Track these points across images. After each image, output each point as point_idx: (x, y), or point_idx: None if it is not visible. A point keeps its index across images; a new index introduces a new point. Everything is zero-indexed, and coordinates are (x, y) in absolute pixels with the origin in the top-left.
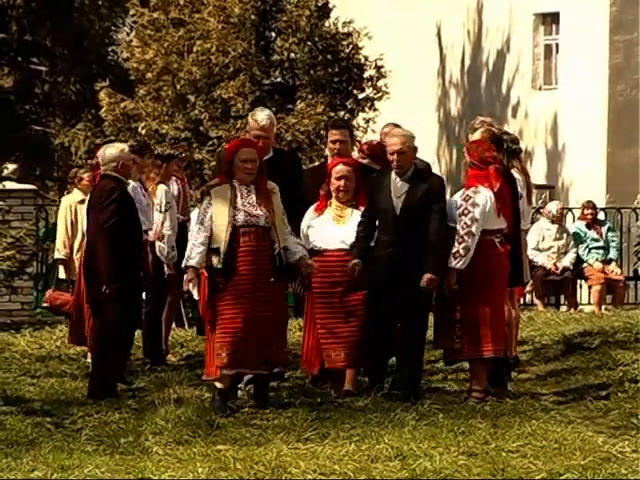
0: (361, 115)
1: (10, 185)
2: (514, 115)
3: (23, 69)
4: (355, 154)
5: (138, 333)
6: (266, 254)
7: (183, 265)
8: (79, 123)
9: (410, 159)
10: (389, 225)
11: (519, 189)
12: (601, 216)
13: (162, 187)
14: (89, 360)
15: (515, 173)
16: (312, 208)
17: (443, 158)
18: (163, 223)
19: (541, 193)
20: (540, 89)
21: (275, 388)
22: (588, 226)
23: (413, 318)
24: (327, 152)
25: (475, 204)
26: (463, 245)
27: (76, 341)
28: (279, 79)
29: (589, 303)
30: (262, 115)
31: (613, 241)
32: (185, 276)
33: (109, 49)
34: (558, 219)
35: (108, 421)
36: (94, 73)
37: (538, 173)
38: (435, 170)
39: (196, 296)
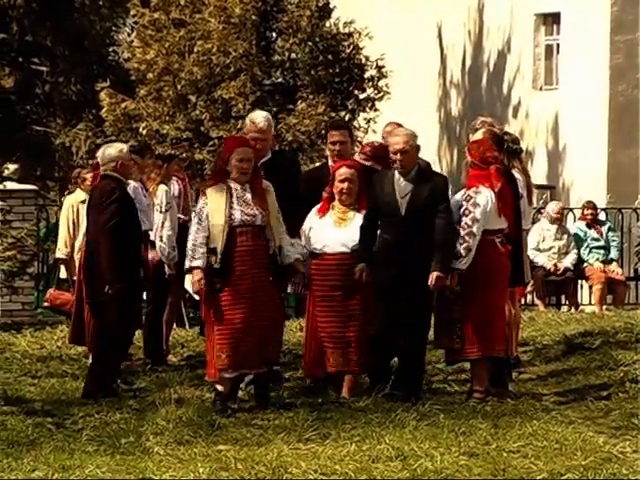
0: (362, 115)
1: (11, 185)
2: (515, 115)
3: (24, 69)
4: (357, 156)
5: (139, 333)
6: (263, 253)
7: (187, 266)
8: (80, 123)
9: (413, 158)
10: (394, 225)
11: (519, 189)
12: (602, 216)
13: (162, 187)
14: (90, 360)
15: (515, 173)
16: (314, 210)
17: (444, 158)
18: (163, 223)
19: (542, 193)
20: (541, 89)
21: (276, 388)
22: (588, 226)
23: (416, 318)
24: (327, 153)
25: (476, 204)
26: (464, 245)
27: (76, 341)
28: (280, 79)
29: (590, 303)
30: (259, 117)
31: (614, 241)
32: (189, 277)
33: (110, 49)
34: (557, 219)
35: (109, 421)
36: (95, 73)
37: (539, 173)
38: (436, 170)
39: (197, 296)
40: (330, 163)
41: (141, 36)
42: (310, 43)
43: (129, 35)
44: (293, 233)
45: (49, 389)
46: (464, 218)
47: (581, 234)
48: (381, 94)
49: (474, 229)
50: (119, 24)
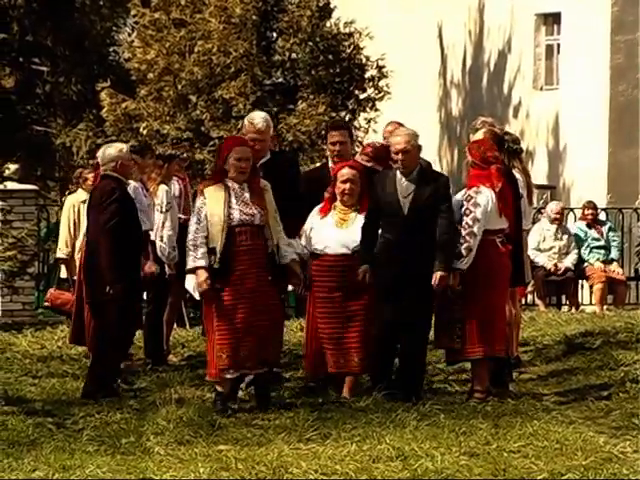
0: (362, 115)
1: (11, 185)
2: (515, 115)
3: (24, 69)
4: (358, 157)
5: (139, 333)
6: (262, 252)
7: (192, 266)
8: (80, 123)
9: (415, 158)
10: (396, 225)
11: (520, 189)
12: (602, 216)
13: (163, 187)
14: (90, 361)
15: (516, 173)
16: (316, 210)
17: (444, 158)
18: (164, 223)
19: (542, 193)
20: (541, 89)
21: (276, 388)
22: (589, 226)
23: (417, 318)
24: (328, 153)
25: (477, 204)
26: (465, 245)
27: (76, 341)
28: (280, 79)
29: (590, 303)
30: (258, 118)
31: (614, 241)
32: (191, 277)
33: (110, 49)
34: (556, 220)
35: (109, 421)
36: (95, 73)
37: (539, 173)
38: (436, 170)
39: (197, 296)
40: (330, 164)
41: (142, 36)
42: (310, 43)
43: (130, 35)
44: (293, 234)
45: (50, 389)
46: (465, 218)
47: (581, 234)
48: (381, 94)
49: (475, 229)
50: (120, 24)
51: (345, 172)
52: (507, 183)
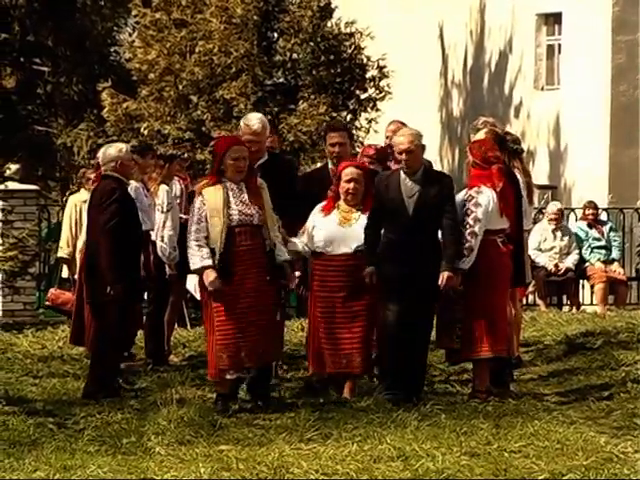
0: (363, 115)
1: (12, 185)
2: (516, 115)
3: (25, 69)
4: (360, 159)
5: (140, 333)
6: (261, 252)
7: (200, 266)
8: (81, 123)
9: (419, 158)
10: (401, 225)
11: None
12: (603, 216)
13: (163, 187)
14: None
15: (516, 173)
16: (318, 208)
17: (445, 158)
18: (165, 223)
19: (543, 193)
20: (542, 89)
21: (276, 384)
22: (590, 226)
23: (419, 318)
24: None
25: (478, 204)
26: (466, 245)
27: (76, 341)
28: (281, 79)
29: (591, 303)
30: (254, 119)
31: (615, 241)
32: (192, 277)
33: (111, 49)
34: (555, 220)
35: (110, 421)
36: (96, 73)
37: (540, 173)
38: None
39: (198, 296)
40: (330, 166)
41: (142, 36)
42: (311, 43)
43: (130, 35)
44: (290, 234)
45: (50, 389)
46: (466, 218)
47: (582, 234)
48: (382, 94)
49: (476, 229)
50: (121, 24)
51: (349, 171)
52: (508, 183)
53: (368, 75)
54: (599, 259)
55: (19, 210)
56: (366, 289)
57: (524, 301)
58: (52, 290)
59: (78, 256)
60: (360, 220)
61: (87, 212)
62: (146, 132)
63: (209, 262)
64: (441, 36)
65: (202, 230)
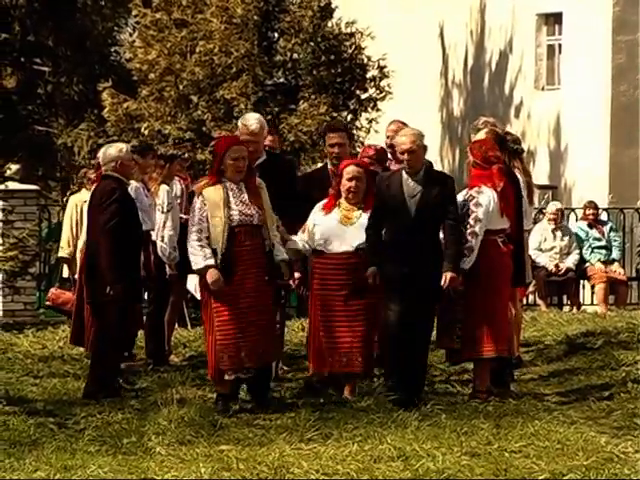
0: (364, 115)
1: (13, 185)
2: (517, 115)
3: (26, 69)
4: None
5: (140, 333)
6: (261, 252)
7: (203, 265)
8: (82, 123)
9: (421, 158)
10: (402, 226)
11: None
12: (604, 216)
13: (164, 187)
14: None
15: (516, 173)
16: (319, 206)
17: (446, 158)
18: (165, 223)
19: (544, 193)
20: (543, 89)
21: (277, 389)
22: (590, 226)
23: (419, 318)
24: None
25: (478, 204)
26: (467, 245)
27: (76, 342)
28: (282, 79)
29: (592, 303)
30: (251, 119)
31: (615, 241)
32: (193, 277)
33: (112, 49)
34: (554, 220)
35: (111, 421)
36: (97, 73)
37: (541, 173)
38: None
39: (199, 296)
40: (329, 166)
41: (143, 36)
42: (312, 43)
43: (131, 35)
44: (289, 234)
45: (51, 389)
46: (467, 218)
47: (582, 234)
48: (383, 94)
49: (477, 229)
50: (121, 24)
51: (351, 169)
52: (509, 183)
53: (368, 75)
54: (599, 259)
55: (19, 210)
56: (367, 288)
57: (524, 301)
58: (52, 290)
59: (78, 256)
60: (361, 218)
61: (87, 212)
62: (146, 132)
63: (212, 262)
64: (441, 36)
65: (204, 230)
